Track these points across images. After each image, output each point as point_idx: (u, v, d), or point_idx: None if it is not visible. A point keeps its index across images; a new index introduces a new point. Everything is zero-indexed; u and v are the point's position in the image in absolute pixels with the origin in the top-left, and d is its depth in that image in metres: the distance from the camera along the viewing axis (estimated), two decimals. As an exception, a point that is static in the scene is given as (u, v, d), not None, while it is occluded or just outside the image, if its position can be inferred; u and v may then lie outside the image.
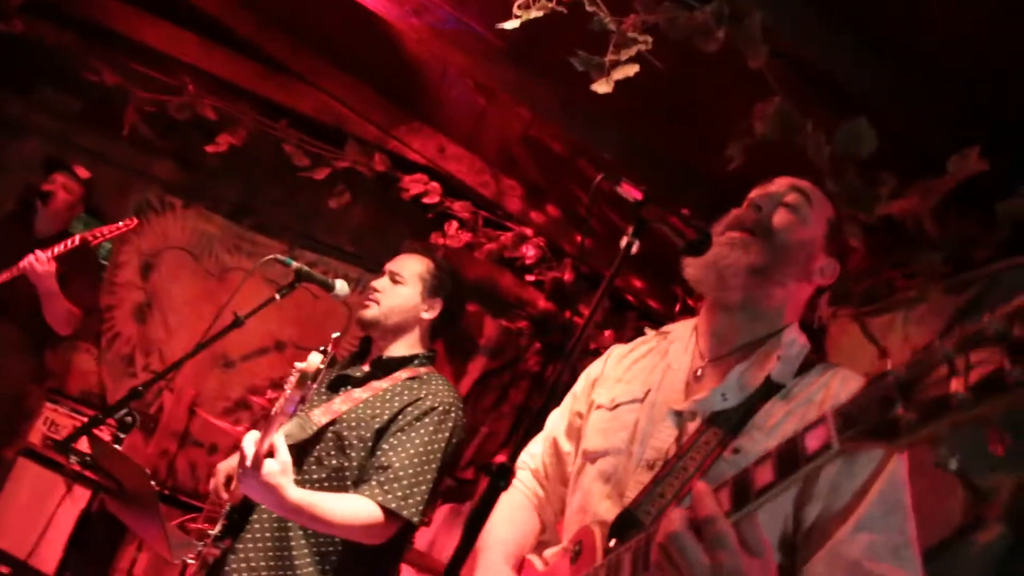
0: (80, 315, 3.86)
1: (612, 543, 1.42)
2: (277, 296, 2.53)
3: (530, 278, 4.95)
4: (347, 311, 5.39)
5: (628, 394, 1.72)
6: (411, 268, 2.57)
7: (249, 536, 2.30)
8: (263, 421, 2.02)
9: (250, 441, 2.03)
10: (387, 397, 2.42)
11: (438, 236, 4.84)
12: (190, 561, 2.65)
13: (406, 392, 2.43)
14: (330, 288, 2.57)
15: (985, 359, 0.85)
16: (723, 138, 2.75)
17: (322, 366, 1.88)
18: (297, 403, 1.95)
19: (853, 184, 2.61)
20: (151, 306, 5.35)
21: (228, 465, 2.50)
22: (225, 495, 2.46)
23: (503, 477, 1.21)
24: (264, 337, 5.28)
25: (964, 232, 2.60)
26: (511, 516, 1.88)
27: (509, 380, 5.43)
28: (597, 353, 5.69)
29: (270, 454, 2.01)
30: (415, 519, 2.25)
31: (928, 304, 2.59)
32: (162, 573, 4.16)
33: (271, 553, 2.29)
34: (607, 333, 4.96)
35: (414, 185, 4.72)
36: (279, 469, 2.00)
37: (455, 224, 4.81)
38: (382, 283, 2.54)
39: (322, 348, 2.13)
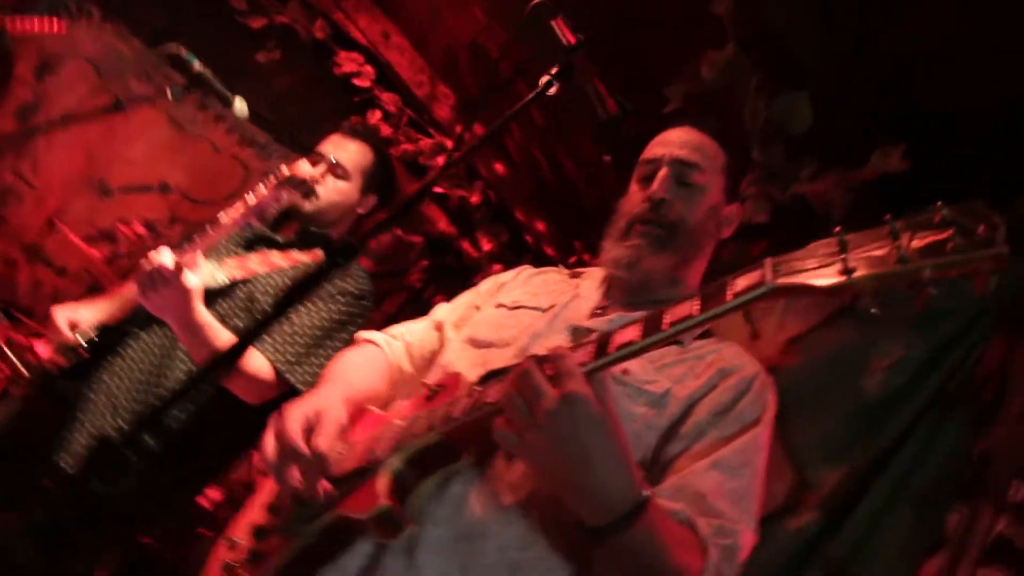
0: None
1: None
2: (168, 94, 2.31)
3: (439, 190, 4.82)
4: (244, 172, 5.16)
5: (532, 301, 1.74)
6: (356, 160, 2.47)
7: (124, 357, 2.19)
8: (192, 236, 1.96)
9: (168, 252, 1.96)
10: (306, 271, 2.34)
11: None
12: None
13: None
14: (228, 103, 2.41)
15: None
16: (660, 84, 2.71)
17: (316, 177, 1.80)
18: (262, 212, 1.87)
19: (776, 158, 2.60)
20: (37, 109, 4.97)
21: (67, 313, 2.31)
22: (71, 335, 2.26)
23: (344, 255, 1.11)
24: (151, 174, 4.97)
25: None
26: (366, 366, 1.82)
27: (387, 289, 5.30)
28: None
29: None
30: (300, 387, 2.14)
31: (814, 298, 2.58)
32: None
33: (146, 376, 2.18)
34: (496, 267, 4.89)
35: (349, 63, 4.52)
36: (197, 283, 1.96)
37: (379, 114, 4.63)
38: (321, 174, 2.43)
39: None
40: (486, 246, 4.85)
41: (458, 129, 4.55)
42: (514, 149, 4.50)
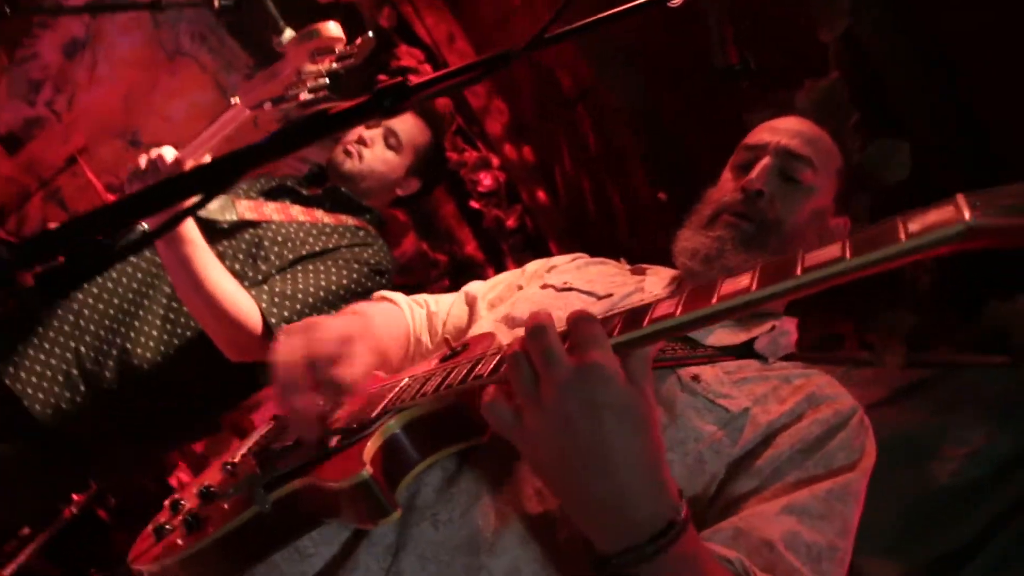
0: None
1: None
2: (216, 2, 2.12)
3: (475, 205, 4.60)
4: (279, 152, 4.96)
5: (586, 286, 1.52)
6: (412, 135, 2.30)
7: (104, 277, 1.96)
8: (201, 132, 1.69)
9: (171, 149, 1.76)
10: (326, 231, 2.15)
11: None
12: None
13: (350, 236, 2.17)
14: (279, 30, 2.20)
15: None
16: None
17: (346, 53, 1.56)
18: (268, 98, 1.59)
19: (860, 208, 2.37)
20: (87, 46, 4.82)
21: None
22: None
23: (392, 97, 0.87)
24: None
25: (945, 315, 2.37)
26: (384, 325, 1.57)
27: (403, 301, 5.08)
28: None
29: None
30: None
31: (875, 370, 2.35)
32: None
33: (121, 302, 1.98)
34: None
35: (408, 57, 4.35)
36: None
37: (428, 117, 4.44)
38: (373, 136, 2.26)
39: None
40: (513, 273, 4.61)
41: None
42: (560, 179, 4.28)
